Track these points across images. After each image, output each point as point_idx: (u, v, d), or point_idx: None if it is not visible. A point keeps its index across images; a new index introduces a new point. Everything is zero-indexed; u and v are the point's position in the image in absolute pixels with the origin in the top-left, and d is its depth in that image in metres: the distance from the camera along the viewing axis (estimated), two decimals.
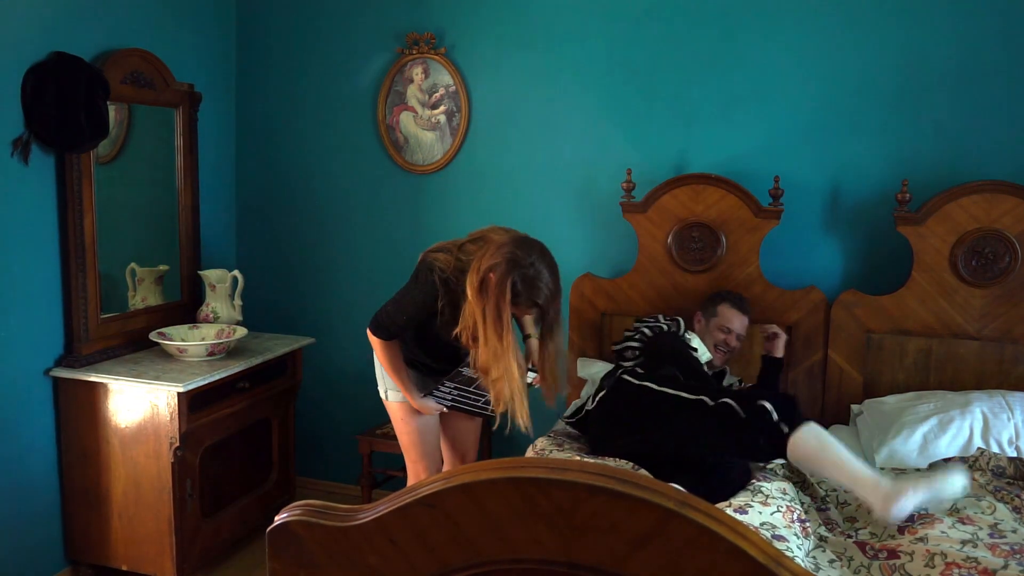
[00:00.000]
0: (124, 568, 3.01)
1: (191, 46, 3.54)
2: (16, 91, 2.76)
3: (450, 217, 3.58)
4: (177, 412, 2.85)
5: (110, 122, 2.97)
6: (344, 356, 3.78)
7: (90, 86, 2.84)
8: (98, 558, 3.04)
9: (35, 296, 2.90)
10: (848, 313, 3.02)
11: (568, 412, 2.93)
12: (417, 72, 3.56)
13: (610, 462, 2.39)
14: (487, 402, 2.59)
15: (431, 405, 2.67)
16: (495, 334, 2.29)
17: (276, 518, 1.22)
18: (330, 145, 3.75)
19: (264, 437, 3.49)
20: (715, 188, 3.11)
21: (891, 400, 2.87)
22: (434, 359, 2.67)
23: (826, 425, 3.00)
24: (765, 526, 2.09)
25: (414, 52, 3.54)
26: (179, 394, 2.83)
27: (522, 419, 2.37)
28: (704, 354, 2.84)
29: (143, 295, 3.37)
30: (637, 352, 2.78)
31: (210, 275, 3.43)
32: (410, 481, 2.83)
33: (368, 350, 2.68)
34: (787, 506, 2.19)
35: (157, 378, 2.87)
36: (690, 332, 2.90)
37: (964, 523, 2.16)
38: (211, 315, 3.40)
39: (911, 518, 2.14)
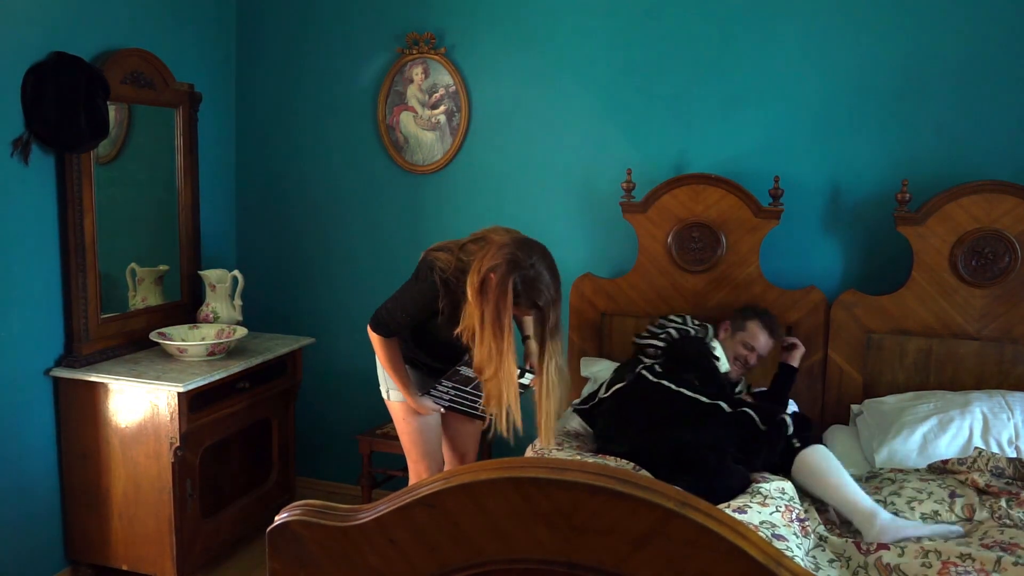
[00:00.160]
0: (124, 568, 3.01)
1: (191, 46, 3.54)
2: (16, 91, 2.76)
3: (450, 217, 3.58)
4: (177, 412, 2.85)
5: (110, 122, 2.97)
6: (344, 356, 3.78)
7: (90, 86, 2.84)
8: (98, 558, 3.04)
9: (35, 296, 2.90)
10: (848, 313, 3.02)
11: (578, 400, 2.94)
12: (417, 72, 3.56)
13: (611, 462, 2.40)
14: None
15: (429, 404, 2.67)
16: (493, 334, 2.30)
17: (276, 518, 1.22)
18: (330, 145, 3.75)
19: (264, 437, 3.49)
20: (715, 188, 3.11)
21: (891, 400, 2.87)
22: (434, 358, 2.67)
23: (826, 425, 3.02)
24: (765, 525, 2.09)
25: (414, 52, 3.54)
26: (179, 394, 2.83)
27: (512, 422, 2.39)
28: (724, 365, 2.83)
29: (143, 295, 3.37)
30: (660, 351, 2.80)
31: (210, 275, 3.43)
32: (411, 481, 2.83)
33: (369, 350, 2.68)
34: (786, 505, 2.19)
35: (157, 378, 2.87)
36: (715, 340, 2.90)
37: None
38: (211, 315, 3.40)
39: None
